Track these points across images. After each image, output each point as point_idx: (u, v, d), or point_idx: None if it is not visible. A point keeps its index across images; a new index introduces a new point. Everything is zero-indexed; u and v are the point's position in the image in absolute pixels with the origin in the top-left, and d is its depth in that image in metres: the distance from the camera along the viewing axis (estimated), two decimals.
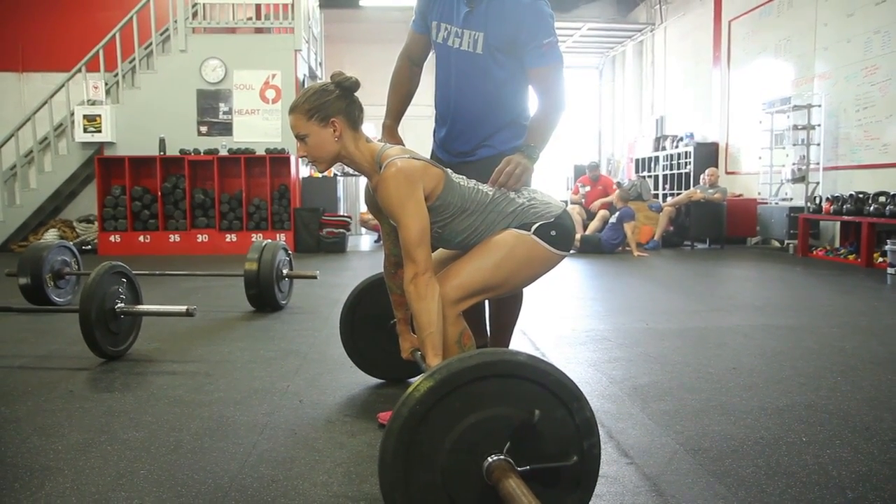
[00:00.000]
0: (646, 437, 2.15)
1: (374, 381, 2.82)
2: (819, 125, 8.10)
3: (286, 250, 4.57)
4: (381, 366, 2.75)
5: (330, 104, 1.87)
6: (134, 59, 8.84)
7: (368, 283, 2.69)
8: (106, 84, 8.70)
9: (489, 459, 1.34)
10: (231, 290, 5.02)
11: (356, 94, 1.94)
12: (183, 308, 3.13)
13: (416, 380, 1.35)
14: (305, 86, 9.55)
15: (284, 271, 4.53)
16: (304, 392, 2.65)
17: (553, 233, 1.97)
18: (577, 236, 8.47)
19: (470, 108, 2.28)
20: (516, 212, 1.98)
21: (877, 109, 7.35)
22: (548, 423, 1.38)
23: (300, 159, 1.64)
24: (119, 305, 3.15)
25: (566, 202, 9.26)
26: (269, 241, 4.49)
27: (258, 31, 9.11)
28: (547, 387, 1.39)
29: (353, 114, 1.92)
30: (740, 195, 9.74)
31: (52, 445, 2.09)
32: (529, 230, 1.96)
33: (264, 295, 4.35)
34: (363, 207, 11.50)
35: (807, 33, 8.53)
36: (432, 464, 1.34)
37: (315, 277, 4.58)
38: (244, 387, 2.73)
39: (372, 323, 2.68)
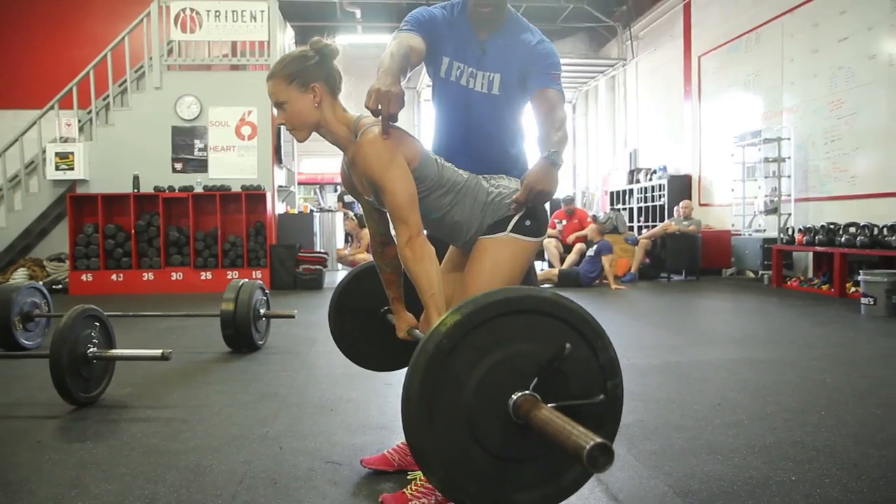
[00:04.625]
0: (634, 480, 2.11)
1: (357, 424, 2.76)
2: (789, 158, 8.26)
3: (263, 290, 4.51)
4: (370, 356, 2.56)
5: (310, 70, 1.85)
6: (108, 96, 8.78)
7: (359, 271, 2.55)
8: (79, 121, 8.61)
9: (515, 396, 1.33)
10: (207, 330, 4.92)
11: (335, 61, 1.91)
12: (158, 352, 3.05)
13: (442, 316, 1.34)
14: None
15: (262, 311, 4.45)
16: (283, 438, 2.59)
17: (528, 223, 1.96)
18: (555, 271, 8.49)
19: (485, 149, 2.21)
20: (489, 203, 1.94)
21: (844, 142, 7.52)
22: (573, 362, 1.37)
23: (285, 137, 1.58)
24: (91, 350, 3.06)
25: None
26: (246, 280, 4.43)
27: (234, 67, 9.11)
28: (572, 325, 1.38)
29: (333, 80, 1.90)
30: (713, 227, 9.86)
31: (20, 502, 1.99)
32: (506, 229, 1.94)
33: (241, 335, 4.27)
34: (340, 243, 11.45)
35: (774, 68, 8.75)
36: (458, 400, 1.32)
37: (293, 317, 4.51)
38: (221, 433, 2.65)
39: (362, 312, 2.52)
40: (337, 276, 10.31)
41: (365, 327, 2.52)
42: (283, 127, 1.94)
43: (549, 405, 1.32)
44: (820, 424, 2.63)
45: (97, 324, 3.14)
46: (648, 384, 3.37)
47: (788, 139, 8.27)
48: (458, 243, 2.07)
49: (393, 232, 1.95)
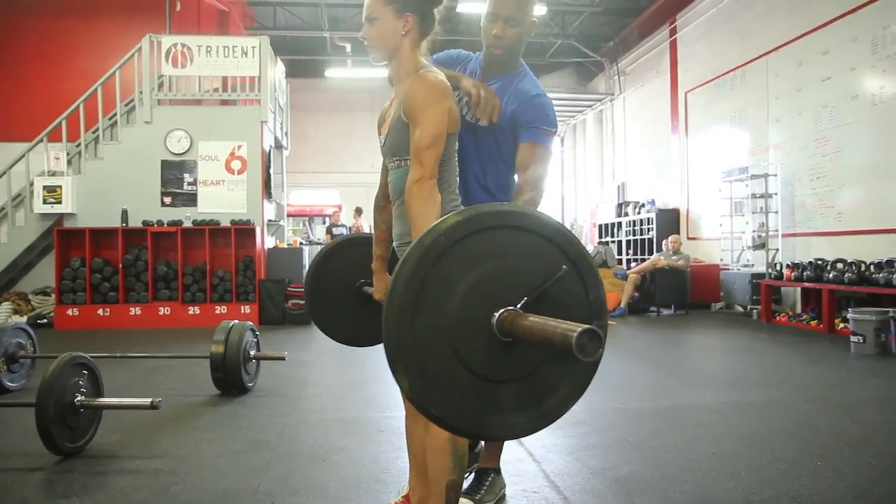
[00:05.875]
0: None
1: (351, 477, 2.71)
2: (776, 193, 8.34)
3: (254, 331, 4.47)
4: (345, 330, 2.55)
5: (410, 0, 1.89)
6: (97, 129, 8.75)
7: (333, 246, 2.56)
8: (68, 154, 8.57)
9: (499, 312, 1.31)
10: (195, 370, 4.85)
11: (434, 8, 1.95)
12: (147, 401, 3.01)
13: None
14: (272, 158, 9.58)
15: (252, 353, 4.41)
16: (276, 493, 2.54)
17: None
18: None
19: (464, 179, 2.22)
20: None
21: (829, 179, 7.61)
22: (564, 292, 1.36)
23: (364, 43, 1.55)
24: (79, 399, 3.00)
25: None
26: (236, 321, 4.38)
27: (224, 102, 9.13)
28: (568, 255, 1.37)
29: (427, 21, 1.94)
30: (702, 261, 9.91)
31: None
32: None
33: (231, 378, 4.21)
34: None
35: (760, 105, 8.88)
36: (443, 306, 1.30)
37: (283, 359, 4.46)
38: (212, 487, 2.60)
39: (338, 286, 2.51)
40: None
41: (341, 302, 2.51)
42: (363, 41, 1.96)
43: (522, 301, 1.32)
44: (817, 476, 2.62)
45: (85, 372, 3.09)
46: (642, 431, 3.35)
47: (775, 175, 8.36)
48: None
49: None
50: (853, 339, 5.68)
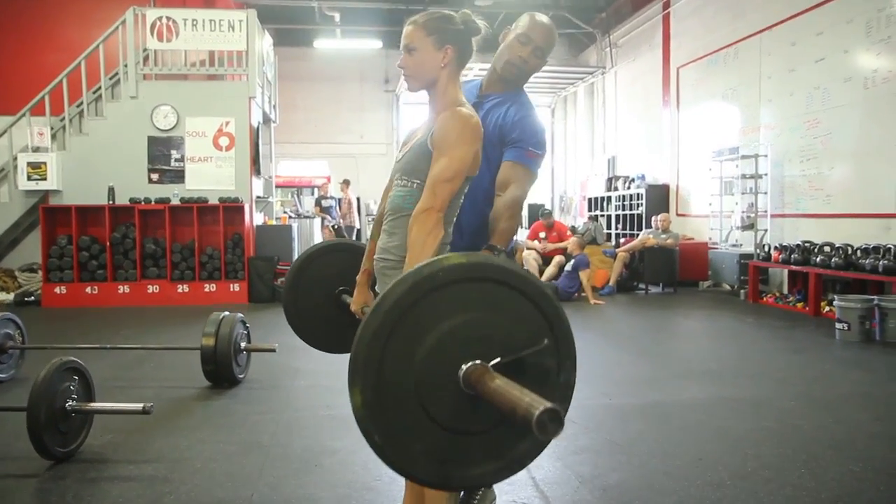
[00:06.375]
0: None
1: (343, 484, 2.75)
2: (766, 174, 8.36)
3: (244, 323, 4.47)
4: (320, 336, 2.54)
5: (451, 33, 1.90)
6: (82, 103, 8.59)
7: (314, 251, 2.55)
8: (52, 129, 8.44)
9: (465, 366, 1.30)
10: (185, 359, 4.81)
11: (473, 39, 1.96)
12: (139, 406, 3.01)
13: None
14: (259, 133, 9.47)
15: (242, 345, 4.42)
16: (268, 502, 2.57)
17: None
18: None
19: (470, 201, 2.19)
20: None
21: (819, 161, 7.63)
22: (537, 366, 1.37)
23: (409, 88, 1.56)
24: (70, 404, 3.01)
25: (518, 241, 9.27)
26: (227, 313, 4.38)
27: (211, 77, 8.98)
28: (553, 331, 1.38)
29: (466, 53, 1.95)
30: (691, 238, 9.95)
31: None
32: None
33: (222, 371, 4.23)
34: None
35: (752, 84, 8.84)
36: (421, 338, 1.30)
37: (274, 350, 4.47)
38: (206, 497, 2.62)
39: (317, 292, 2.49)
40: None
41: (318, 307, 2.50)
42: (401, 72, 1.96)
43: (495, 360, 1.31)
44: (800, 487, 2.67)
45: (76, 377, 3.08)
46: (630, 432, 3.40)
47: (766, 156, 8.36)
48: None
49: None
50: (838, 325, 5.76)
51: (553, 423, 1.08)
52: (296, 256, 9.52)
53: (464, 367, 1.30)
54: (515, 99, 2.21)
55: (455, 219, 1.96)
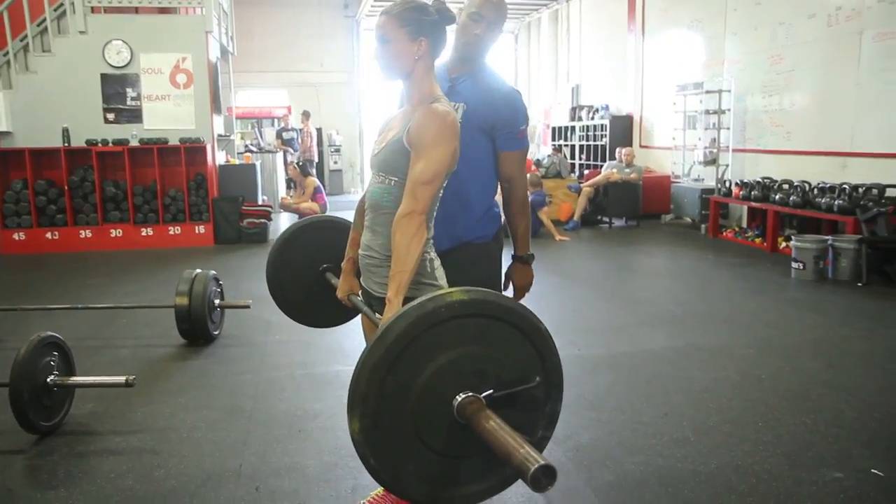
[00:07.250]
0: None
1: (329, 450, 2.85)
2: (729, 110, 8.44)
3: (217, 280, 4.48)
4: (304, 311, 2.62)
5: (425, 24, 1.87)
6: (26, 36, 8.15)
7: (297, 228, 2.60)
8: None
9: (460, 397, 1.39)
10: (159, 315, 4.83)
11: (447, 27, 1.93)
12: (122, 378, 3.05)
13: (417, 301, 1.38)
14: (218, 68, 9.15)
15: (216, 302, 4.44)
16: (258, 474, 2.66)
17: None
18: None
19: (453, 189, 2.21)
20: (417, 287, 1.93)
21: (781, 98, 7.72)
22: (527, 398, 1.46)
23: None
24: (52, 378, 3.03)
25: None
26: (200, 271, 4.37)
27: (163, 10, 8.59)
28: (545, 366, 1.48)
29: (440, 43, 1.93)
30: (653, 171, 10.08)
31: None
32: None
33: (197, 329, 4.27)
34: (283, 192, 11.30)
35: (718, 16, 8.79)
36: (421, 370, 1.37)
37: (248, 307, 4.51)
38: (195, 469, 2.71)
39: (301, 267, 2.55)
40: (280, 225, 10.21)
41: (302, 283, 2.56)
42: (376, 61, 1.94)
43: (487, 392, 1.40)
44: (757, 441, 2.87)
45: (55, 352, 3.09)
46: (600, 385, 3.57)
47: (729, 91, 8.42)
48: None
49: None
50: (794, 265, 5.99)
51: (546, 478, 1.15)
52: (260, 194, 9.44)
53: (458, 398, 1.37)
54: (484, 74, 2.24)
55: (434, 214, 1.96)
